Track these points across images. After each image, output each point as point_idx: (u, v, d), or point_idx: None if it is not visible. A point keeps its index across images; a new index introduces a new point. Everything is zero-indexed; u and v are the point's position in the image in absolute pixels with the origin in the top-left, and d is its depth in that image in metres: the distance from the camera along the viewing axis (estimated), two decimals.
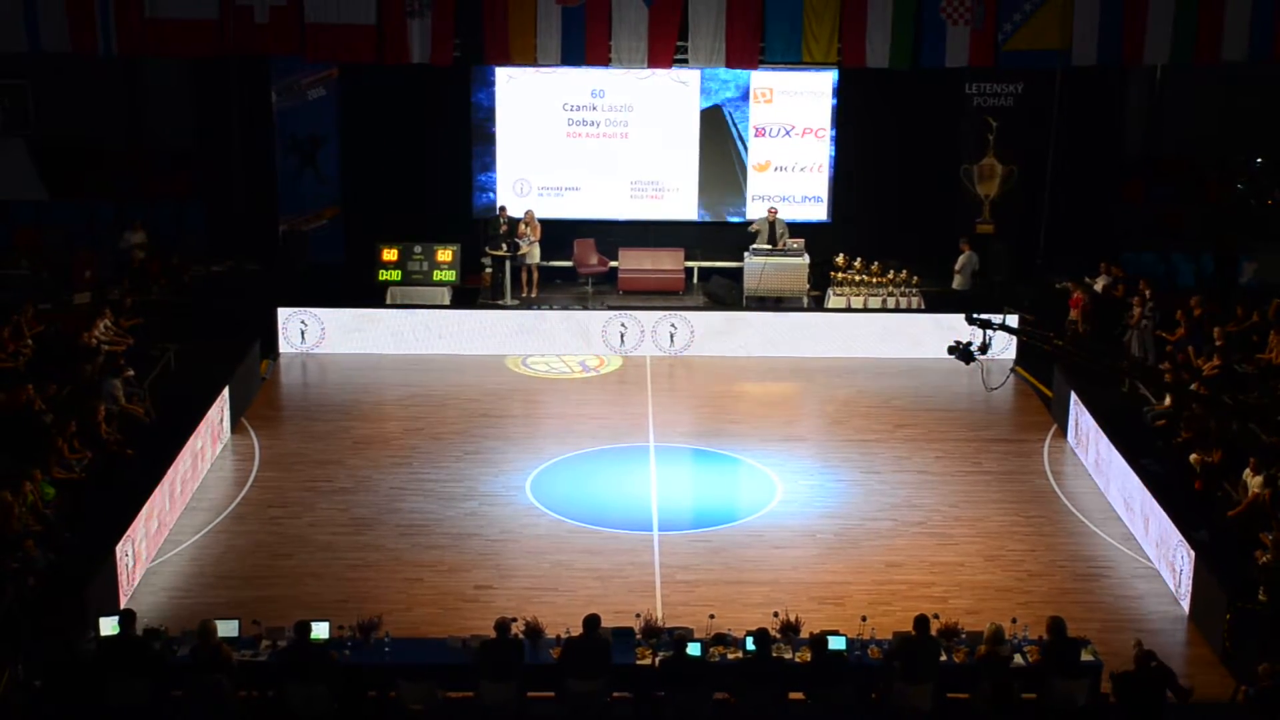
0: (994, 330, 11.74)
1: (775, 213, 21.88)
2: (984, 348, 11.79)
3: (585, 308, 20.97)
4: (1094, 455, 16.11)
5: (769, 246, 21.58)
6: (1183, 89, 23.04)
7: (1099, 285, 19.83)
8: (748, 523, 14.68)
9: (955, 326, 12.53)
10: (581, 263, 22.69)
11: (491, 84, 22.54)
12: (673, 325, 20.31)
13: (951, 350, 11.94)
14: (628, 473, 16.11)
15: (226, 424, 16.88)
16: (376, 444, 16.79)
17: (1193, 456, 14.55)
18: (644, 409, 18.17)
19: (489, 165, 22.89)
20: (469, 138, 22.68)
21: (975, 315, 12.00)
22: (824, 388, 19.13)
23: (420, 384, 19.16)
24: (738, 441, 16.96)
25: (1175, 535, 13.41)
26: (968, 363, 11.89)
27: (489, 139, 22.75)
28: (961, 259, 21.34)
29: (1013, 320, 17.17)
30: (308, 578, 13.35)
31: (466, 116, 22.62)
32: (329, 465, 16.09)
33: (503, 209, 21.89)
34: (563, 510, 14.86)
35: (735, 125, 22.74)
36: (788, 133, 22.71)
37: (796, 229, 22.08)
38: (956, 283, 21.40)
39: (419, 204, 22.48)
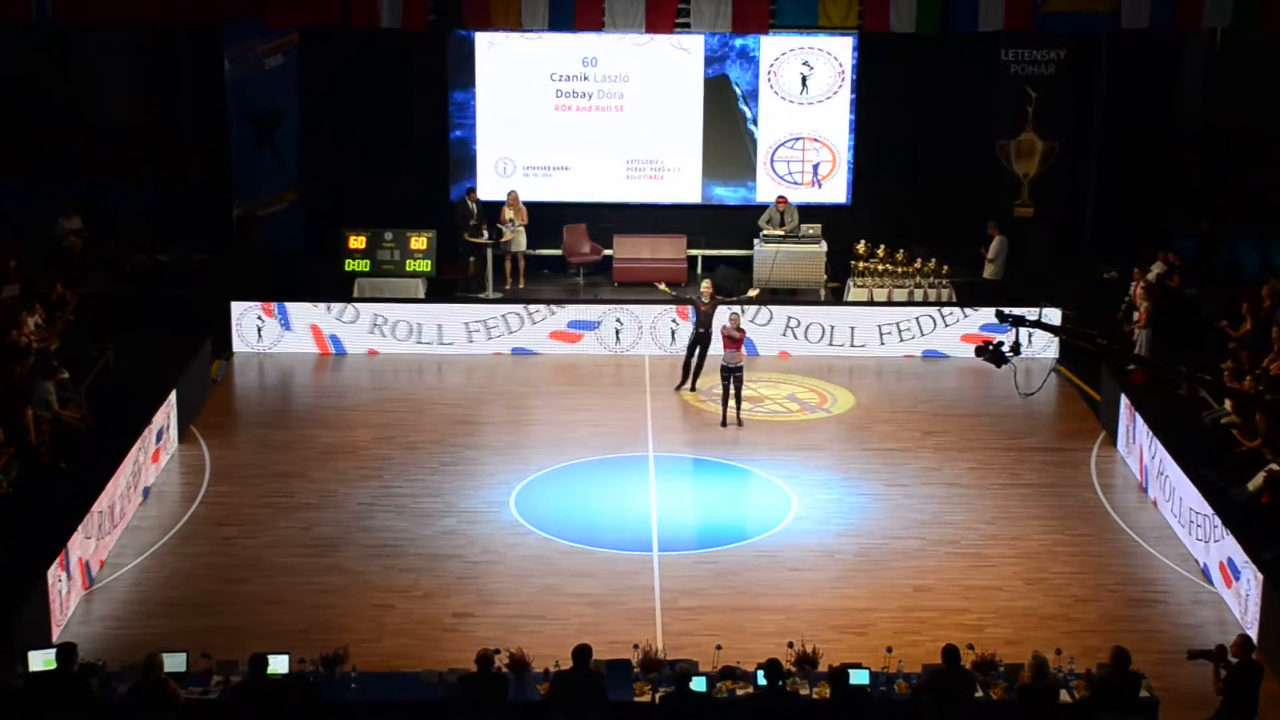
0: (1029, 328, 11.63)
1: (785, 201, 21.84)
2: (1016, 348, 11.68)
3: (576, 301, 20.94)
4: (1148, 465, 16.04)
5: (781, 233, 21.53)
6: (1245, 56, 22.96)
7: (1152, 274, 19.78)
8: (758, 542, 14.62)
9: (992, 321, 12.53)
10: (572, 251, 22.64)
11: (471, 51, 22.48)
12: (674, 321, 20.26)
13: (980, 352, 11.85)
14: (624, 486, 16.06)
15: (173, 432, 16.80)
16: (343, 454, 16.72)
17: (1271, 467, 14.39)
18: (642, 414, 18.10)
19: (468, 142, 22.82)
20: (445, 112, 22.62)
21: (1007, 311, 11.89)
22: (843, 390, 19.07)
23: (392, 387, 19.09)
24: (747, 451, 16.90)
25: (1241, 556, 13.33)
26: (999, 365, 11.79)
27: (468, 113, 22.67)
28: (994, 245, 21.29)
29: (1051, 316, 17.16)
30: (265, 605, 13.27)
31: (443, 88, 22.55)
32: (289, 478, 16.03)
33: (470, 191, 21.83)
34: (552, 528, 14.79)
35: (743, 97, 22.70)
36: (802, 105, 22.67)
37: (812, 213, 22.04)
38: (988, 271, 21.35)
39: (390, 186, 22.41)
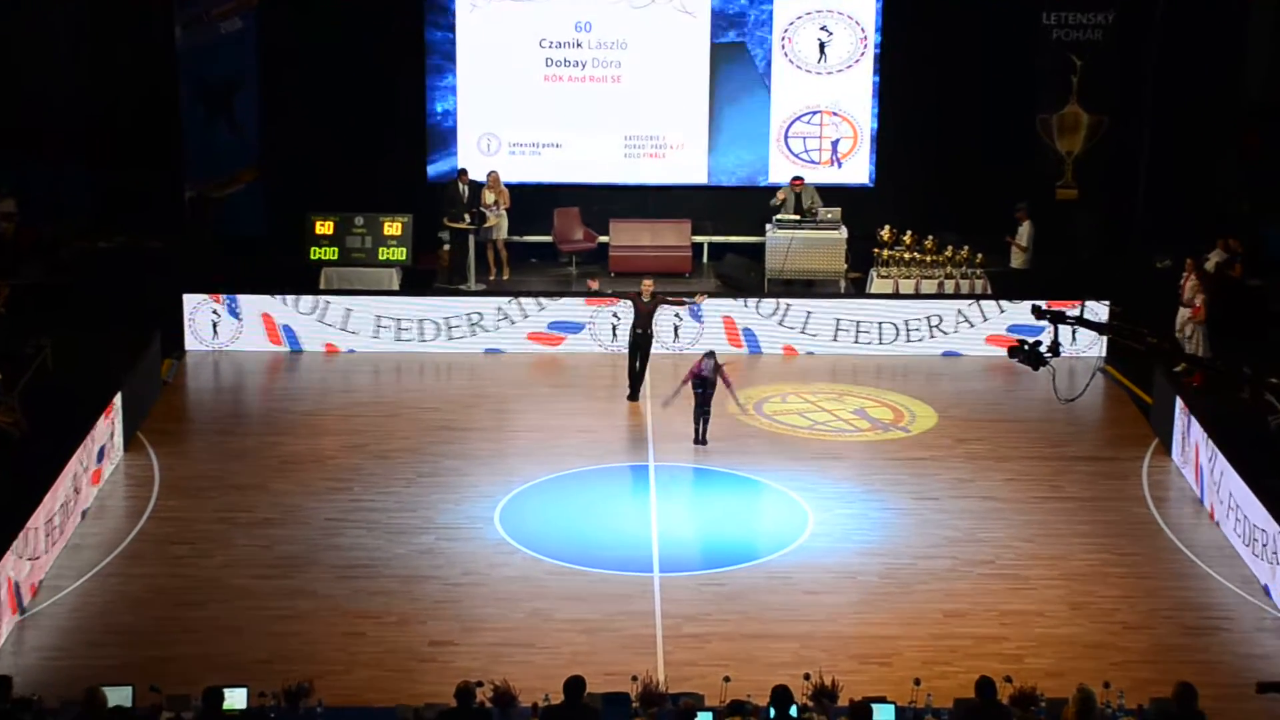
0: (1070, 325, 11.63)
1: (801, 183, 21.85)
2: (1055, 348, 11.67)
3: (568, 294, 20.94)
4: (1206, 477, 16.03)
5: (796, 217, 21.53)
6: None
7: (1211, 263, 19.79)
8: (771, 562, 14.61)
9: (1021, 321, 12.47)
10: (563, 238, 22.63)
11: (451, 14, 22.49)
12: (677, 316, 20.27)
13: (1015, 353, 11.83)
14: (621, 499, 16.06)
15: (119, 439, 16.79)
16: (308, 464, 16.72)
17: None
18: (641, 419, 18.12)
19: (448, 116, 22.82)
20: (423, 82, 22.61)
21: (1045, 306, 11.89)
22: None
23: (363, 389, 19.10)
24: (758, 460, 16.91)
25: None
26: (1036, 367, 11.78)
27: (448, 84, 22.67)
28: (1025, 230, 21.30)
29: (1097, 312, 17.17)
30: (221, 632, 13.26)
31: (420, 55, 22.55)
32: (248, 491, 16.02)
33: (463, 172, 21.85)
34: (541, 546, 14.79)
35: (755, 66, 22.70)
36: (820, 75, 22.67)
37: (831, 196, 22.04)
38: (1018, 260, 21.36)
39: (360, 165, 22.38)
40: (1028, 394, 18.75)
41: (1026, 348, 11.78)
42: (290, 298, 20.22)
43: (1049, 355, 11.70)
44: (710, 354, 17.17)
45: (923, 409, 18.50)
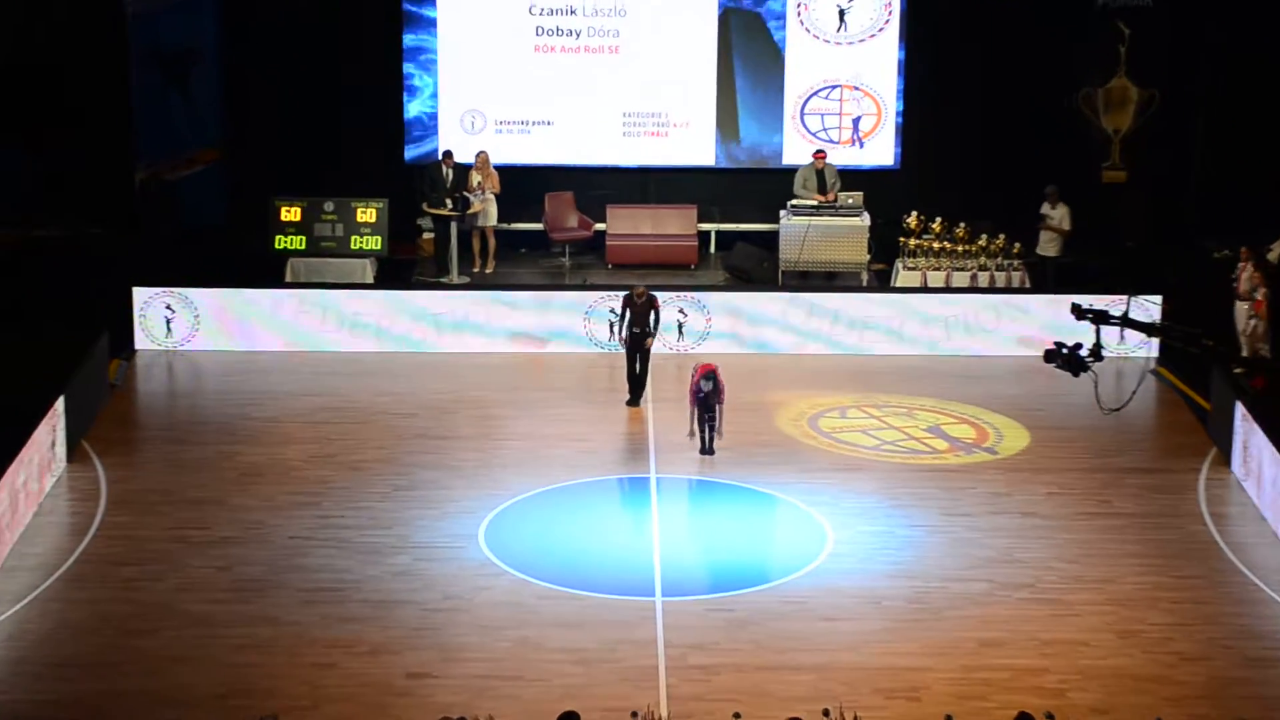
0: (1116, 325, 11.51)
1: (824, 157, 21.82)
2: (1097, 351, 11.55)
3: (561, 287, 20.88)
4: (1270, 491, 15.95)
5: (814, 202, 21.48)
6: None
7: (1274, 253, 19.75)
8: (786, 585, 14.56)
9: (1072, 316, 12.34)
10: (555, 225, 22.62)
11: None
12: (681, 312, 20.22)
13: (1052, 357, 11.72)
14: (620, 515, 16.07)
15: (61, 449, 16.73)
16: (271, 476, 16.68)
17: None
18: (642, 427, 18.08)
19: (428, 91, 22.77)
20: (399, 53, 22.57)
21: (1086, 304, 11.76)
22: (891, 396, 19.01)
23: (333, 393, 19.07)
24: (772, 471, 16.87)
25: None
26: (1076, 373, 11.68)
27: (428, 56, 22.62)
28: (1059, 213, 21.24)
29: (1148, 308, 17.07)
30: (174, 663, 13.19)
31: (397, 23, 22.55)
32: (205, 506, 15.98)
33: (448, 154, 21.81)
34: (530, 568, 14.73)
35: (768, 35, 22.66)
36: (839, 45, 22.63)
37: (852, 179, 22.03)
38: (1051, 247, 21.30)
39: (331, 145, 22.40)
40: (1069, 397, 18.63)
41: (1065, 351, 11.67)
42: (252, 292, 20.18)
43: (1091, 360, 11.58)
44: (710, 376, 16.95)
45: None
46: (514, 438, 17.86)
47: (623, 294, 18.76)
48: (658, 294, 18.89)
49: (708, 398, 16.94)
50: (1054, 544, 15.39)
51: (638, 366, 18.46)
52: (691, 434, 17.20)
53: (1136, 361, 19.64)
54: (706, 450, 17.11)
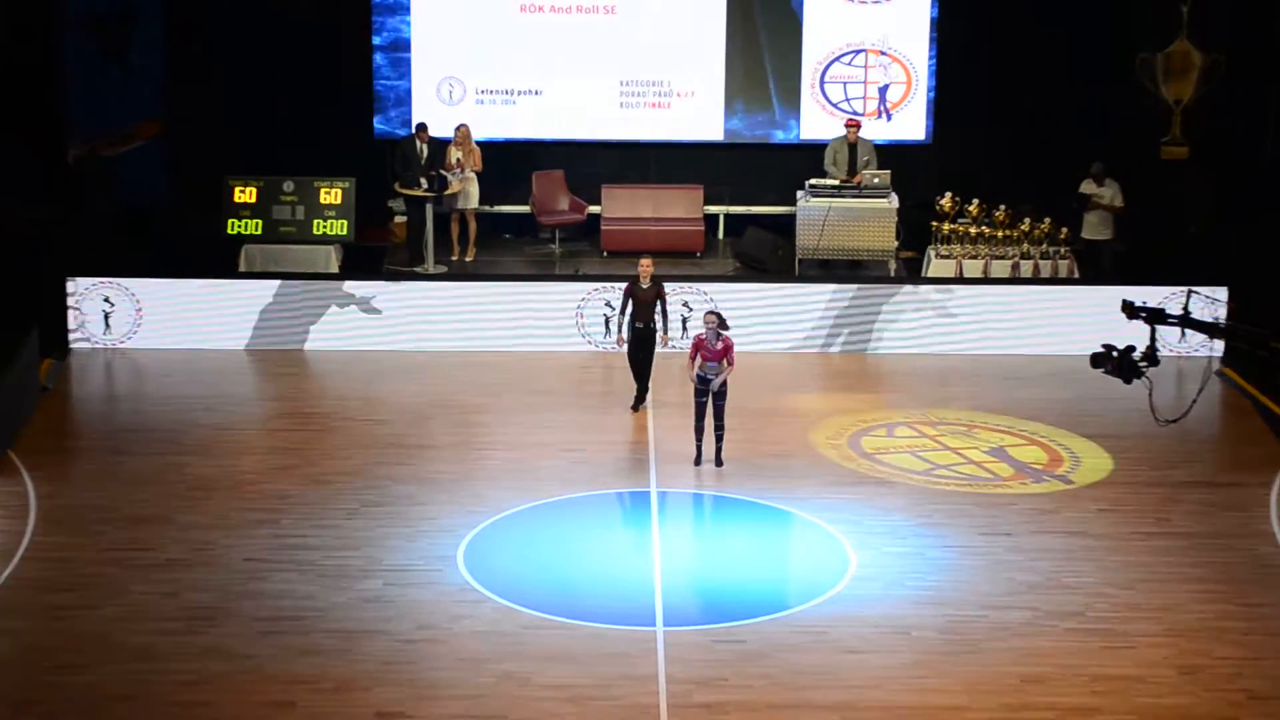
0: (1173, 324, 11.49)
1: (858, 128, 21.81)
2: (1151, 356, 11.52)
3: (550, 278, 20.87)
4: None
5: (835, 183, 21.48)
6: None
7: None
8: (803, 613, 14.54)
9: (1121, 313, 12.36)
10: (544, 208, 22.62)
11: None
12: (686, 306, 20.25)
13: (1100, 361, 11.69)
14: (617, 535, 16.06)
15: None
16: (224, 491, 16.69)
17: None
18: (642, 435, 18.14)
19: (400, 59, 22.75)
20: (368, 13, 22.60)
21: (1138, 303, 11.75)
22: (922, 401, 19.07)
23: (294, 396, 19.11)
24: (787, 485, 16.89)
25: None
26: (1128, 380, 11.66)
27: (400, 17, 22.60)
28: (1107, 191, 21.23)
29: (1207, 302, 16.99)
30: (112, 702, 13.14)
31: None
32: (148, 524, 15.96)
33: (421, 127, 21.80)
34: (515, 594, 14.71)
35: None
36: (865, 5, 22.63)
37: (881, 156, 22.04)
38: (1100, 228, 21.29)
39: (290, 117, 22.39)
40: (1123, 401, 18.56)
41: (1115, 355, 11.64)
42: (202, 283, 20.21)
43: (1145, 366, 11.54)
44: (713, 316, 16.66)
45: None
46: (498, 447, 17.87)
47: (623, 284, 18.69)
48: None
49: (707, 384, 16.83)
50: (1106, 567, 15.35)
51: (641, 366, 18.44)
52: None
53: (1199, 361, 19.62)
54: (717, 461, 17.08)
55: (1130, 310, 11.67)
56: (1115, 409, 18.67)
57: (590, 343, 20.24)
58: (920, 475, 17.26)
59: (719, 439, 17.08)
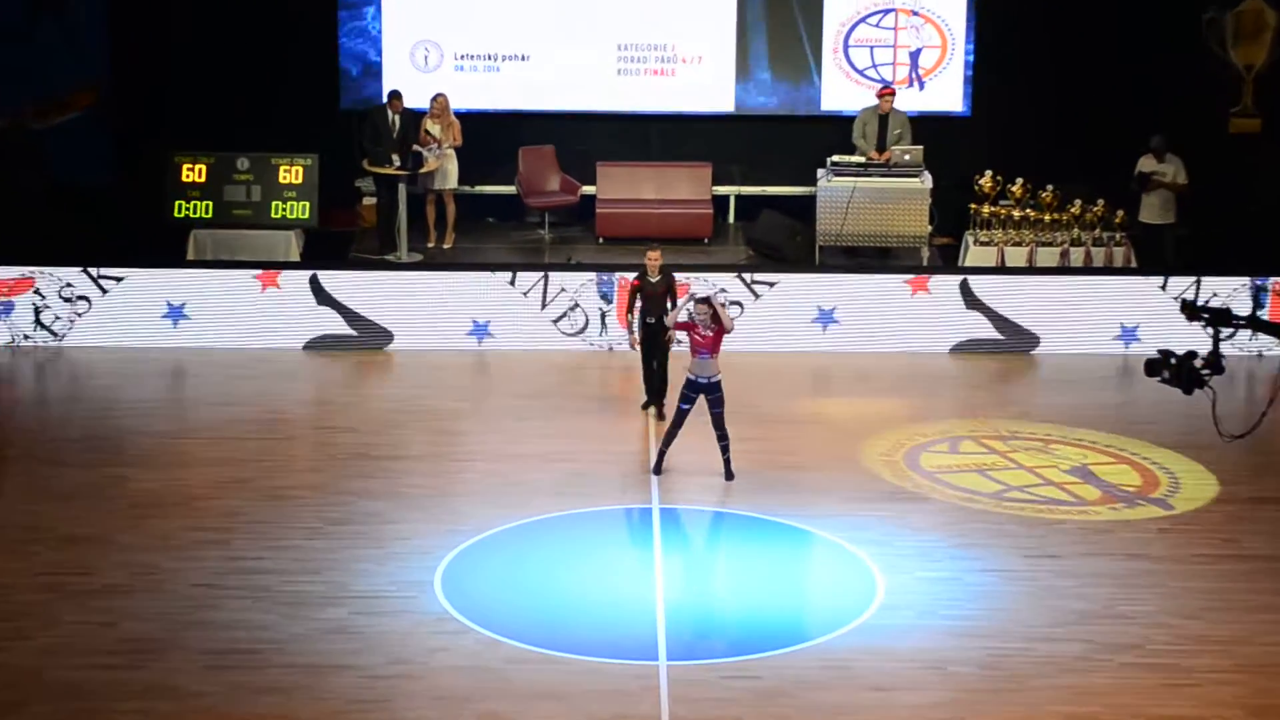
0: (1240, 327, 11.46)
1: (892, 95, 21.78)
2: (1215, 363, 11.48)
3: (539, 267, 20.88)
4: None
5: (861, 161, 21.47)
6: None
7: None
8: (825, 645, 14.51)
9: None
10: (532, 189, 22.65)
11: None
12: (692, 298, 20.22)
13: (1154, 369, 11.64)
14: (614, 557, 16.06)
15: None
16: (169, 506, 16.70)
17: None
18: (642, 445, 18.16)
19: (369, 17, 22.76)
20: None
21: (1202, 302, 11.72)
22: (958, 407, 19.14)
23: (249, 400, 19.14)
24: (806, 501, 16.91)
25: None
26: (1188, 390, 11.62)
27: None
28: (1170, 167, 21.21)
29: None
30: None
31: None
32: (84, 545, 15.96)
33: (394, 95, 21.81)
34: (499, 624, 14.70)
35: None
36: None
37: (913, 130, 22.04)
38: (1161, 213, 21.27)
39: (246, 85, 22.39)
40: (1184, 407, 18.50)
41: (1173, 362, 11.58)
42: (146, 272, 20.24)
43: (1207, 375, 11.50)
44: (705, 305, 16.66)
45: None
46: (479, 458, 17.90)
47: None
48: None
49: (701, 387, 16.73)
50: (1167, 594, 15.33)
51: (655, 364, 18.45)
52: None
53: (1272, 360, 19.62)
54: (727, 474, 17.09)
55: (1190, 310, 11.61)
56: (1177, 414, 18.62)
57: (585, 340, 20.24)
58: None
59: (724, 449, 17.07)
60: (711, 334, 16.74)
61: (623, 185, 22.50)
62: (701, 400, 16.80)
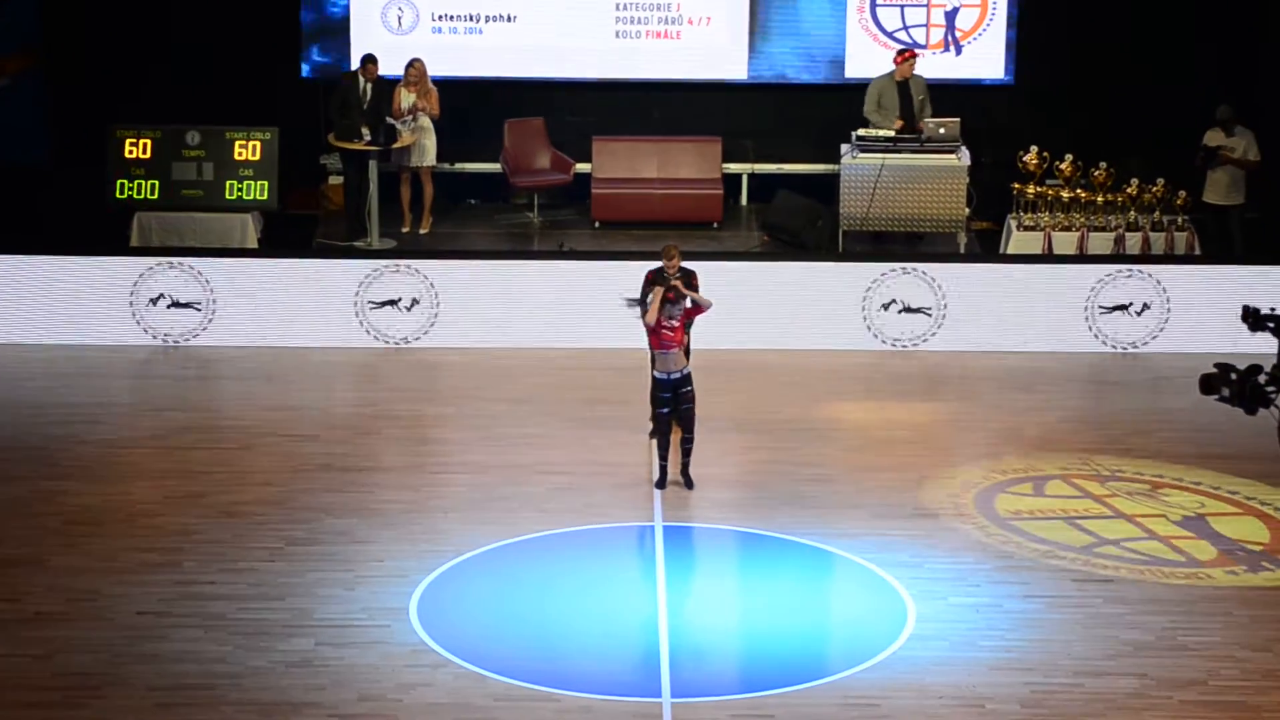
0: None
1: (914, 59, 21.76)
2: (1277, 378, 11.53)
3: (526, 255, 20.91)
4: None
5: (890, 135, 21.49)
6: None
7: None
8: (849, 680, 14.54)
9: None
10: (519, 166, 22.66)
11: None
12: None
13: (1211, 386, 11.69)
14: (613, 581, 16.07)
15: None
16: (112, 524, 16.72)
17: None
18: (644, 455, 18.20)
19: None
20: None
21: (1264, 310, 11.76)
22: (998, 412, 19.20)
23: (200, 405, 19.19)
24: (827, 518, 16.96)
25: None
26: (1252, 410, 11.67)
27: None
28: (1239, 143, 21.23)
29: None
30: None
31: None
32: (14, 569, 15.97)
33: (368, 60, 21.82)
34: (482, 656, 14.72)
35: None
36: None
37: (948, 100, 22.02)
38: (1228, 193, 21.27)
39: (197, 51, 22.40)
40: (1254, 422, 18.64)
41: (1234, 377, 11.61)
42: (83, 260, 20.27)
43: (1274, 392, 11.52)
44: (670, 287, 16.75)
45: None
46: (460, 469, 17.94)
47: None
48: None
49: (668, 386, 16.86)
50: (1233, 622, 15.37)
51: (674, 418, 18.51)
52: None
53: None
54: (686, 482, 17.16)
55: (1253, 318, 11.63)
56: (1239, 423, 18.52)
57: (579, 338, 20.26)
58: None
59: (686, 451, 17.14)
60: (677, 323, 16.81)
61: (621, 163, 22.51)
62: None
